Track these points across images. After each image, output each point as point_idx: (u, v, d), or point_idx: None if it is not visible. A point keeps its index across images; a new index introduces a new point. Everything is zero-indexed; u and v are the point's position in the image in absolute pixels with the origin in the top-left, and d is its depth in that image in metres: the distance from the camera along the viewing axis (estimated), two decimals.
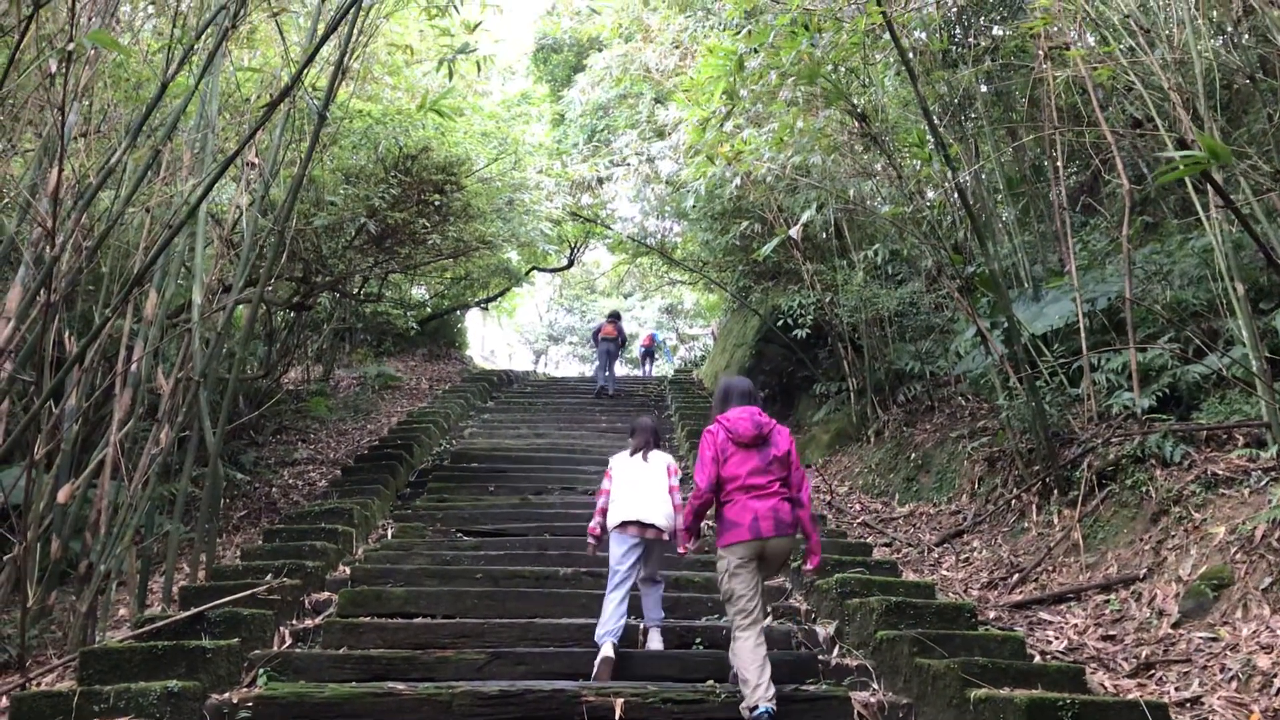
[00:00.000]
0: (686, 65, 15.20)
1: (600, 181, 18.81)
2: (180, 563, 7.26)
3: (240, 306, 8.67)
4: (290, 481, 11.48)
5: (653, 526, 5.74)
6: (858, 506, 10.51)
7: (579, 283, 34.86)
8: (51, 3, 5.84)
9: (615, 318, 18.09)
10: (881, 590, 6.33)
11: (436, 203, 12.02)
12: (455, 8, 8.45)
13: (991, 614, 6.64)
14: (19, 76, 6.21)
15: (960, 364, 10.38)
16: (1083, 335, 8.15)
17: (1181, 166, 4.03)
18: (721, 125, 9.75)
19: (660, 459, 6.04)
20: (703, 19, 15.12)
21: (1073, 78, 8.71)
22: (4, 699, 4.89)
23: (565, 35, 22.86)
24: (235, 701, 4.80)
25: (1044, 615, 6.50)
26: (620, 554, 5.74)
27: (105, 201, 7.15)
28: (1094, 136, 8.94)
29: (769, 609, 6.52)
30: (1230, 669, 4.96)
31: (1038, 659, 5.61)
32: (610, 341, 17.48)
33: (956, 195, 8.75)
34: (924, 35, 10.22)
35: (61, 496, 5.89)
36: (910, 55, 8.55)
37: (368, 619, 6.29)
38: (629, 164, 17.88)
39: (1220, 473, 6.48)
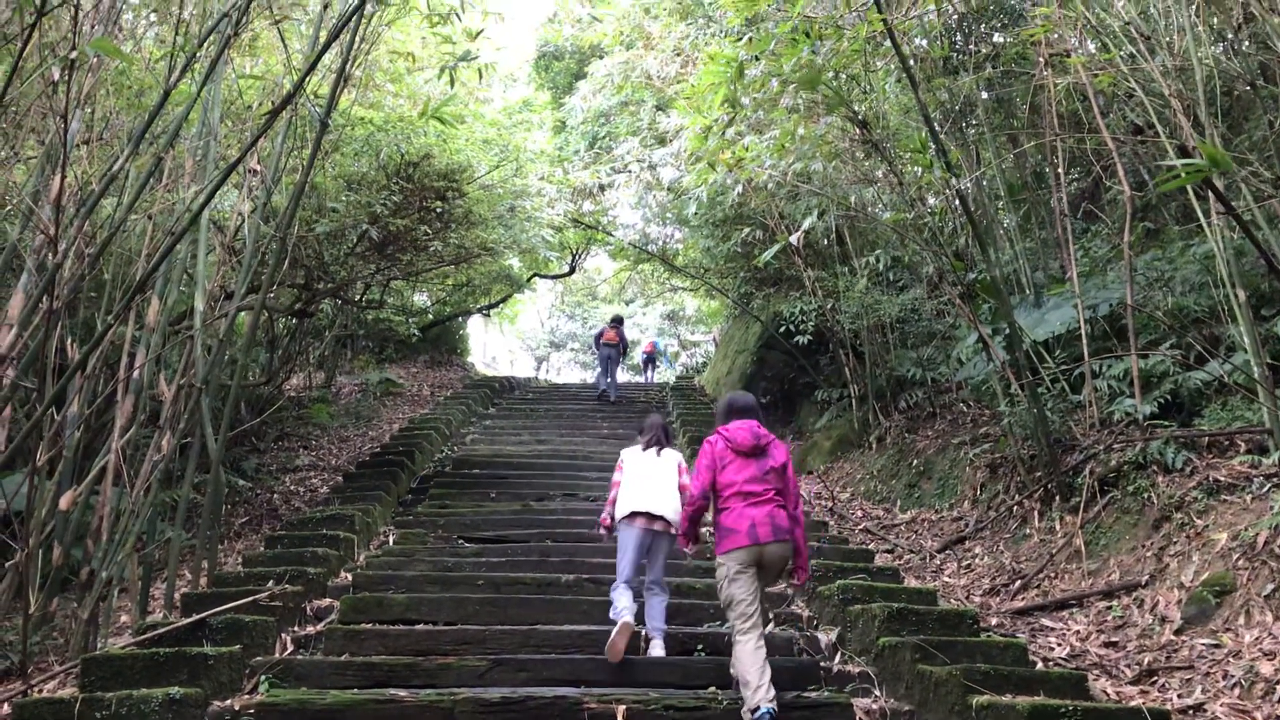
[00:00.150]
0: (688, 72, 15.22)
1: (602, 188, 18.81)
2: (182, 569, 7.26)
3: (242, 313, 8.68)
4: (292, 488, 11.48)
5: (661, 518, 5.89)
6: (859, 513, 10.50)
7: (581, 289, 34.85)
8: (54, 11, 5.86)
9: (617, 322, 17.92)
10: (883, 597, 6.32)
11: (438, 209, 12.04)
12: (457, 15, 8.46)
13: (993, 620, 6.63)
14: (22, 84, 6.23)
15: (962, 370, 10.38)
16: (1084, 342, 8.15)
17: (1183, 173, 4.04)
18: (723, 133, 9.75)
19: (672, 455, 6.23)
20: (704, 26, 15.15)
21: (1074, 84, 8.73)
22: (6, 706, 4.89)
23: (567, 43, 22.90)
24: (237, 708, 4.80)
25: (1046, 622, 6.48)
26: (628, 544, 5.90)
27: (107, 209, 7.16)
28: (1095, 143, 8.95)
29: (770, 615, 6.51)
30: (1233, 676, 4.95)
31: (1040, 666, 5.59)
32: (612, 347, 17.34)
33: (958, 202, 8.76)
34: (925, 42, 10.24)
35: (63, 503, 5.90)
36: (911, 62, 8.56)
37: (369, 626, 6.29)
38: (630, 171, 17.88)
39: (1222, 479, 6.47)
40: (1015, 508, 8.36)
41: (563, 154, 19.41)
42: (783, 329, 13.48)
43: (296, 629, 6.31)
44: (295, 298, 12.46)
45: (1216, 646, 5.30)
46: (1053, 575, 7.15)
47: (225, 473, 8.78)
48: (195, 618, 5.70)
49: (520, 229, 14.36)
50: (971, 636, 5.80)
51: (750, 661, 4.78)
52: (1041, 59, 8.98)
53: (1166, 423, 7.41)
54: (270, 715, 4.74)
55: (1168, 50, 7.36)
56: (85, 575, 6.13)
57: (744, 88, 8.97)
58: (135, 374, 6.61)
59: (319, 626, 6.36)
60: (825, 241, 13.18)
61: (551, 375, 33.06)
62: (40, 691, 5.28)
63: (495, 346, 35.92)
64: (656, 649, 5.85)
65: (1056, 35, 8.64)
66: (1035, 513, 8.00)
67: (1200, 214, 6.89)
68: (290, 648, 5.99)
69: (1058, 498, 7.78)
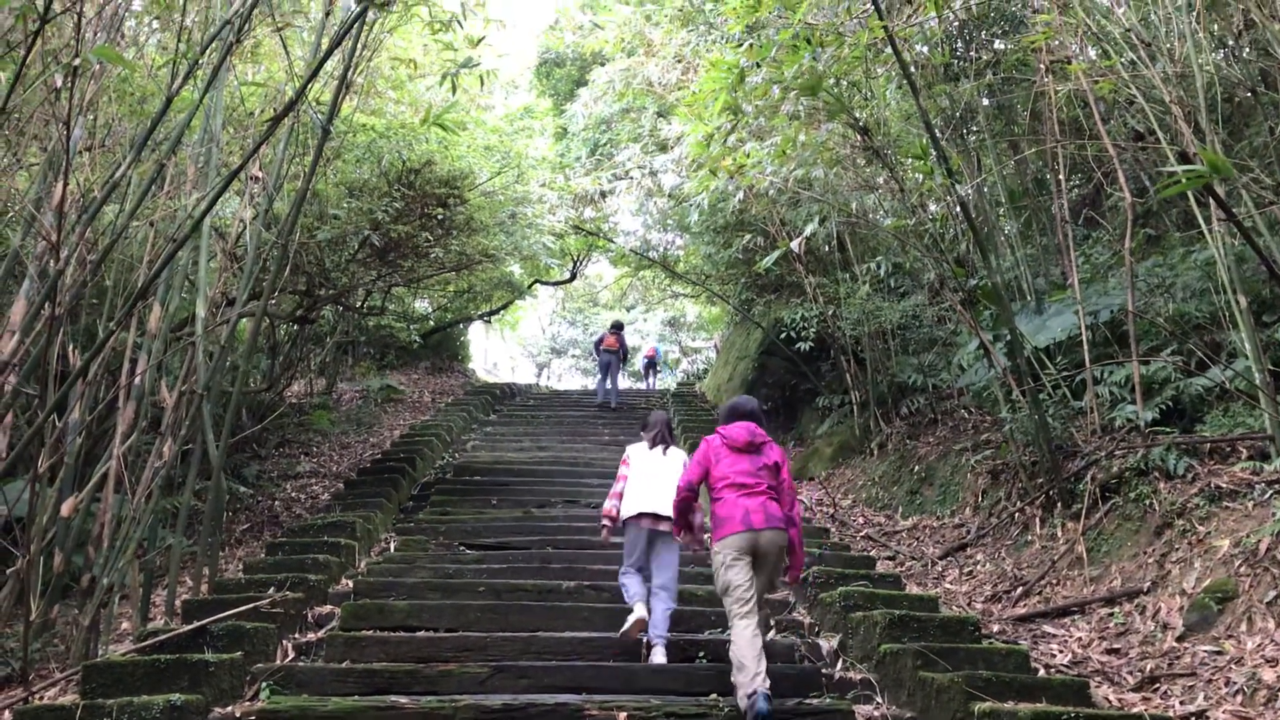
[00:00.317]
0: (689, 79, 15.24)
1: (603, 195, 18.82)
2: (183, 576, 7.26)
3: (244, 320, 8.68)
4: (293, 495, 11.47)
5: (666, 518, 5.99)
6: (861, 520, 10.49)
7: (582, 296, 34.88)
8: (57, 18, 5.88)
9: (618, 328, 17.90)
10: (885, 604, 6.32)
11: (439, 216, 12.05)
12: (459, 23, 8.48)
13: (995, 627, 6.62)
14: (25, 91, 6.24)
15: (963, 377, 10.38)
16: (1085, 348, 8.15)
17: (1183, 180, 4.04)
18: (725, 139, 9.77)
19: (677, 454, 6.35)
20: (705, 33, 15.16)
21: (1074, 91, 8.74)
22: (7, 713, 4.89)
23: (568, 50, 22.92)
24: (238, 715, 4.81)
25: (1048, 628, 6.47)
26: (636, 544, 6.09)
27: (109, 215, 7.18)
28: (1096, 150, 8.96)
29: (772, 623, 6.51)
30: (1235, 683, 4.94)
31: (1042, 672, 5.59)
32: (611, 353, 17.30)
33: (959, 208, 8.77)
34: (926, 49, 10.26)
35: (65, 510, 5.90)
36: (912, 69, 8.57)
37: (370, 632, 6.28)
38: (632, 177, 17.90)
39: (1224, 486, 6.46)
40: (1017, 514, 8.35)
41: (564, 160, 19.43)
42: (784, 335, 13.49)
43: (298, 636, 6.31)
44: (297, 304, 12.47)
45: (1219, 653, 5.28)
46: (1054, 582, 7.14)
47: (226, 479, 8.78)
48: (196, 624, 5.69)
49: (521, 236, 14.37)
50: (973, 643, 5.79)
51: (748, 646, 4.86)
52: (1042, 66, 9.00)
53: (1168, 429, 7.41)
54: None
55: (1168, 57, 7.37)
56: (86, 582, 6.13)
57: (745, 94, 8.98)
58: (137, 380, 6.61)
59: (320, 633, 6.36)
60: (826, 248, 13.18)
61: (553, 382, 33.05)
62: (41, 698, 5.27)
63: (496, 353, 35.98)
64: (658, 656, 5.84)
65: (1057, 42, 8.66)
66: (1037, 519, 7.99)
67: (1201, 220, 6.89)
68: (291, 654, 5.99)
69: (1059, 504, 7.78)
